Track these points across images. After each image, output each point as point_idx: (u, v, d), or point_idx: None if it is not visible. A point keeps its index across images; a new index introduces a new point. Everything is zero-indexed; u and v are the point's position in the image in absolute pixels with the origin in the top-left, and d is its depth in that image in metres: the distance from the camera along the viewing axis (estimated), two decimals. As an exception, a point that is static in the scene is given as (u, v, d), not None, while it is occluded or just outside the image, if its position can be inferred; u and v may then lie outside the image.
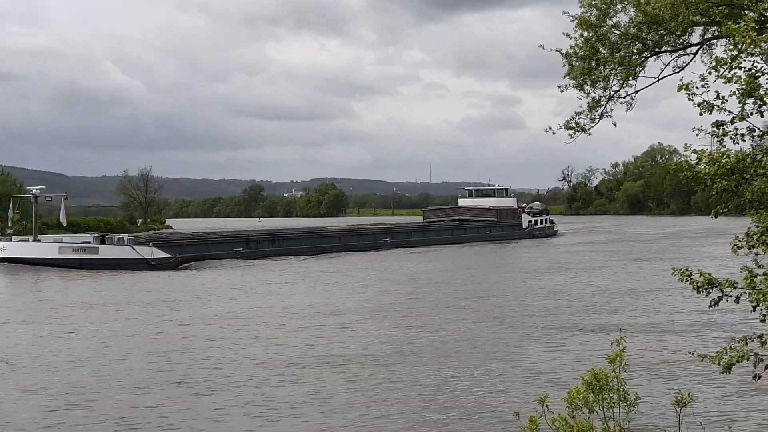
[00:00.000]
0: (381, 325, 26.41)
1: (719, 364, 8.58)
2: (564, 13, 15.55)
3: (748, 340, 8.73)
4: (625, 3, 15.04)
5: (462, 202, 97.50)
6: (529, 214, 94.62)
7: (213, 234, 71.13)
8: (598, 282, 38.96)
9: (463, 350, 21.61)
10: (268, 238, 64.95)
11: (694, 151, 8.59)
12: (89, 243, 54.83)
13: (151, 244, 54.67)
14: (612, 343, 8.62)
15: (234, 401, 16.67)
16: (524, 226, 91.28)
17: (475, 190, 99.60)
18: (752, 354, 8.54)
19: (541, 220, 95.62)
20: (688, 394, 8.52)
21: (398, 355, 21.07)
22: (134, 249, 53.38)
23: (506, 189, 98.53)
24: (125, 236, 59.11)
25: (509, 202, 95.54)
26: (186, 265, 53.84)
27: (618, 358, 8.46)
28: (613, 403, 8.31)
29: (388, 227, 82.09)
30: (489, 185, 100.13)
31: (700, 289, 8.89)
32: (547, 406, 8.25)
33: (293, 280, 43.72)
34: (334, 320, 27.75)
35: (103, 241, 55.13)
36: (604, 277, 41.81)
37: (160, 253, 53.64)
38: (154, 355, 21.95)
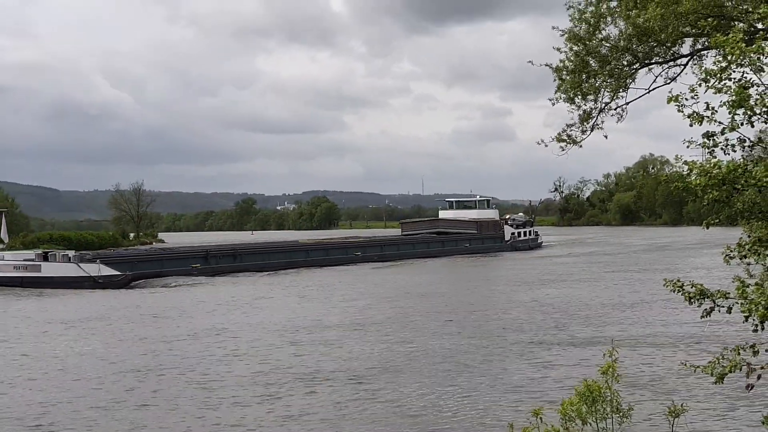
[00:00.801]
0: (332, 346, 24.75)
1: (712, 374, 8.59)
2: (553, 28, 15.63)
3: (741, 349, 8.73)
4: (615, 16, 15.12)
5: (442, 214, 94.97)
6: (512, 225, 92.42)
7: (169, 249, 68.22)
8: (578, 295, 37.87)
9: (433, 369, 20.91)
10: (228, 254, 62.10)
11: (685, 162, 8.61)
12: (32, 260, 52.27)
13: (98, 261, 51.97)
14: (604, 355, 8.62)
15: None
16: (506, 239, 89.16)
17: (455, 201, 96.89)
18: (745, 364, 8.54)
19: (525, 232, 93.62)
20: (681, 404, 8.53)
21: (359, 375, 20.48)
22: (79, 266, 50.62)
23: (488, 200, 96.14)
24: (70, 253, 55.32)
25: (490, 214, 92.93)
26: (137, 282, 51.10)
27: (610, 370, 8.46)
28: (606, 414, 8.31)
29: (360, 241, 79.01)
30: (470, 196, 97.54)
31: (692, 300, 8.90)
32: (540, 418, 8.25)
33: (247, 297, 41.32)
34: (282, 339, 26.49)
35: (46, 258, 52.38)
36: (584, 289, 40.55)
37: (109, 270, 51.01)
38: (80, 382, 20.34)
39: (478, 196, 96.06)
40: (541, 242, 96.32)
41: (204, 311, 35.43)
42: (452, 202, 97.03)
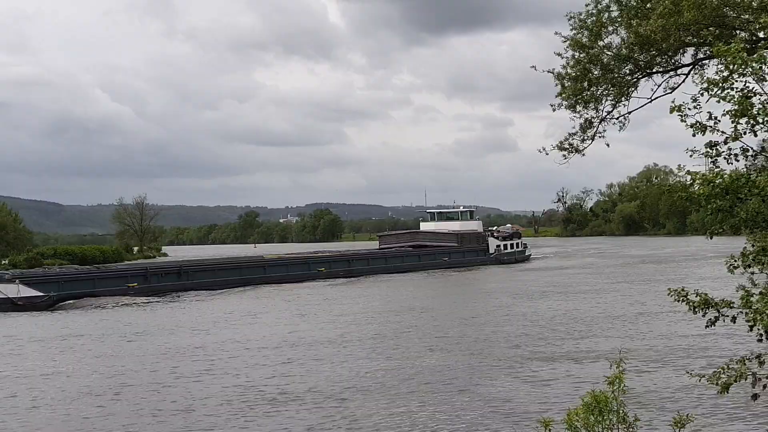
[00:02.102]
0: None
1: (717, 384, 8.56)
2: (556, 33, 15.68)
3: (746, 360, 8.72)
4: (617, 25, 15.15)
5: (423, 226, 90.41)
6: (497, 237, 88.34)
7: (104, 268, 61.89)
8: (558, 310, 35.72)
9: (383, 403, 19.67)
10: (173, 271, 56.92)
11: (688, 172, 8.61)
12: None
13: (17, 281, 46.88)
14: (611, 365, 8.60)
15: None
16: (491, 252, 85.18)
17: (437, 212, 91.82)
18: (750, 374, 8.52)
19: (511, 244, 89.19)
20: (687, 414, 8.48)
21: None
22: None
23: (471, 211, 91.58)
24: None
25: (473, 226, 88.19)
26: (64, 304, 46.35)
27: (617, 380, 8.43)
28: (612, 425, 8.28)
29: (325, 256, 73.14)
30: (453, 207, 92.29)
31: (696, 310, 8.88)
32: (550, 430, 8.22)
33: (177, 321, 37.25)
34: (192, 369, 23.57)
35: None
36: (565, 304, 38.23)
37: (30, 291, 46.28)
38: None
39: (461, 207, 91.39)
40: (530, 255, 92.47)
41: (104, 338, 31.62)
42: (434, 213, 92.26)
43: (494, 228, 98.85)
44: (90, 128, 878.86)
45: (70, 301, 46.89)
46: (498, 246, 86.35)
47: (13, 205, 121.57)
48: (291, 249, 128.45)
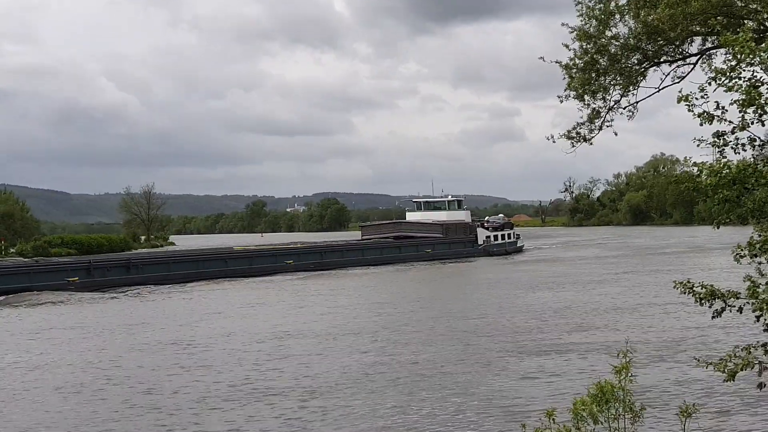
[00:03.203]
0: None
1: (723, 372, 8.58)
2: (563, 24, 15.65)
3: (752, 348, 8.73)
4: (624, 15, 15.12)
5: (409, 216, 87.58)
6: (487, 228, 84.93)
7: (42, 260, 57.72)
8: (534, 305, 33.28)
9: None
10: (120, 264, 53.01)
11: (695, 164, 8.61)
12: None
13: None
14: (618, 355, 8.62)
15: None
16: (479, 243, 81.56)
17: (423, 202, 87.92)
18: (757, 362, 8.53)
19: (502, 235, 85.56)
20: (693, 404, 8.49)
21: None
22: None
23: (459, 200, 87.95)
24: None
25: (461, 216, 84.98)
26: None
27: (624, 369, 8.45)
28: (619, 414, 8.30)
29: (296, 248, 68.61)
30: (441, 196, 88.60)
31: (702, 301, 8.89)
32: (553, 419, 8.24)
33: (119, 319, 33.94)
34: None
35: None
36: (543, 298, 35.80)
37: None
38: None
39: (449, 196, 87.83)
40: (522, 246, 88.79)
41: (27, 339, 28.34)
42: (420, 202, 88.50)
43: (487, 218, 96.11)
44: (96, 117, 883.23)
45: (1, 298, 42.70)
46: (487, 237, 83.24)
47: (21, 193, 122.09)
48: (298, 238, 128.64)
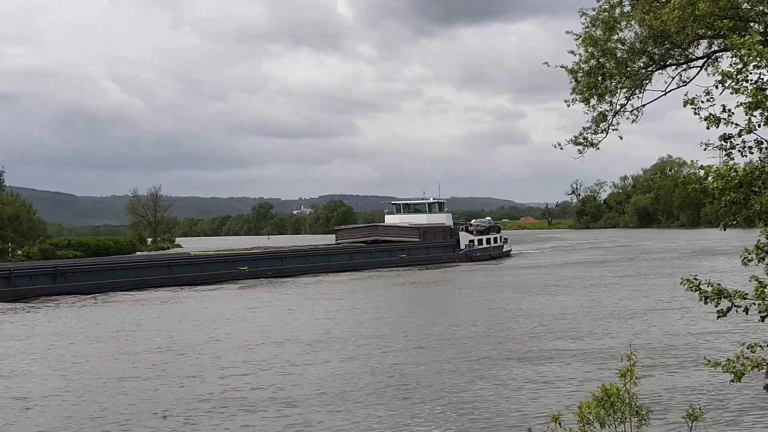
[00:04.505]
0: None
1: (730, 372, 8.58)
2: (567, 32, 15.63)
3: (758, 347, 8.73)
4: (630, 19, 15.10)
5: (388, 219, 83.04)
6: (471, 232, 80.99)
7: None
8: (498, 318, 30.75)
9: None
10: (47, 272, 48.33)
11: (701, 167, 8.61)
12: None
13: None
14: (622, 358, 8.61)
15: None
16: (461, 248, 77.76)
17: (403, 204, 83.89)
18: (766, 364, 8.53)
19: (487, 239, 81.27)
20: (699, 407, 8.49)
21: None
22: None
23: (440, 203, 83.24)
24: None
25: (441, 219, 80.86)
26: None
27: (629, 373, 8.44)
28: (625, 417, 8.29)
29: (254, 253, 65.27)
30: (421, 199, 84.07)
31: (708, 300, 8.88)
32: (560, 423, 8.23)
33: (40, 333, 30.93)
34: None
35: None
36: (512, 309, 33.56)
37: None
38: None
39: (430, 198, 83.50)
40: (509, 251, 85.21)
41: None
42: (399, 205, 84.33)
43: (473, 221, 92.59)
44: (99, 119, 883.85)
45: None
46: (471, 241, 79.19)
47: (27, 196, 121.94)
48: (304, 241, 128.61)
